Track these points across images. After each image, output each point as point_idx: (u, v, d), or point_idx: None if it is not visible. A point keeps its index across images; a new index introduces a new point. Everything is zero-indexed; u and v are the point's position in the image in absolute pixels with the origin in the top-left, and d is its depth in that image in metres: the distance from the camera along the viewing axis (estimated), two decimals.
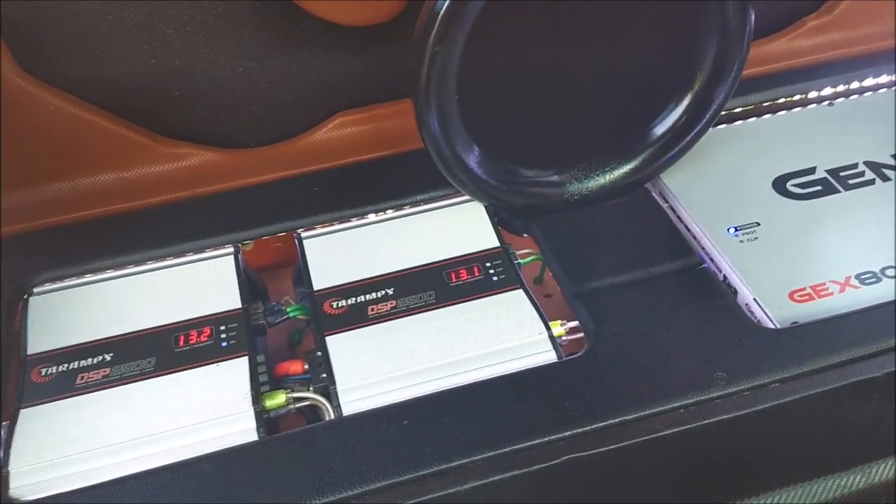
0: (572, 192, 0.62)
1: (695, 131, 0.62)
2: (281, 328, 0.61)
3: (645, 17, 0.58)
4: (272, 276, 0.67)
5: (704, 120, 0.61)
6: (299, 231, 0.63)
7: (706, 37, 0.58)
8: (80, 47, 0.63)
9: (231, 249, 0.62)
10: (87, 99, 0.66)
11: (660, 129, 0.62)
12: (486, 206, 0.63)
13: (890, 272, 0.55)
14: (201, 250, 0.62)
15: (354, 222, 0.63)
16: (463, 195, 0.64)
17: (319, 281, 0.58)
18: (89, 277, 0.61)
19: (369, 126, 0.71)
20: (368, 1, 0.64)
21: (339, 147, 0.71)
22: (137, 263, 0.61)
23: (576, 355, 0.51)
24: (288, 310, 0.58)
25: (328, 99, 0.72)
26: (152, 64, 0.65)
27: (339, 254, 0.60)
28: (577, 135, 0.62)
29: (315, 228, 0.63)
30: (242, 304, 0.57)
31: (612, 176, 0.63)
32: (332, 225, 0.63)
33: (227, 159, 0.70)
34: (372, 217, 0.64)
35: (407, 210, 0.64)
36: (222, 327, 0.56)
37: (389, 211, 0.64)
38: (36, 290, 0.59)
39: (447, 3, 0.50)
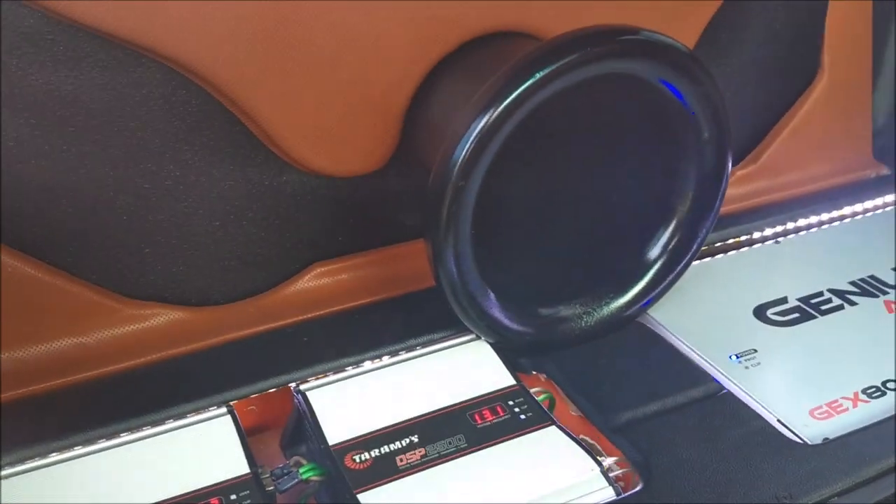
0: (574, 327, 0.62)
1: (683, 262, 0.64)
2: (285, 496, 0.54)
3: (633, 156, 0.62)
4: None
5: (691, 252, 0.64)
6: (297, 384, 0.58)
7: (687, 174, 0.62)
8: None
9: (224, 410, 0.56)
10: (41, 257, 0.60)
11: (651, 261, 0.64)
12: (492, 345, 0.61)
13: (891, 385, 0.58)
14: (183, 416, 0.56)
15: (353, 370, 0.60)
16: (463, 335, 0.62)
17: (334, 434, 0.53)
18: (54, 457, 0.52)
19: (348, 275, 0.69)
20: (358, 152, 0.64)
21: (317, 298, 0.68)
22: (110, 437, 0.54)
23: (635, 491, 0.49)
24: (301, 471, 0.52)
25: (304, 250, 0.69)
26: (123, 220, 0.61)
27: (349, 404, 0.56)
28: (574, 271, 0.63)
29: (313, 380, 0.59)
30: (250, 468, 0.51)
31: (609, 309, 0.63)
32: (329, 375, 0.59)
33: (198, 318, 0.65)
34: (368, 364, 0.60)
35: (407, 354, 0.61)
36: (232, 497, 0.49)
37: (385, 357, 0.61)
38: None
39: (471, 145, 0.51)
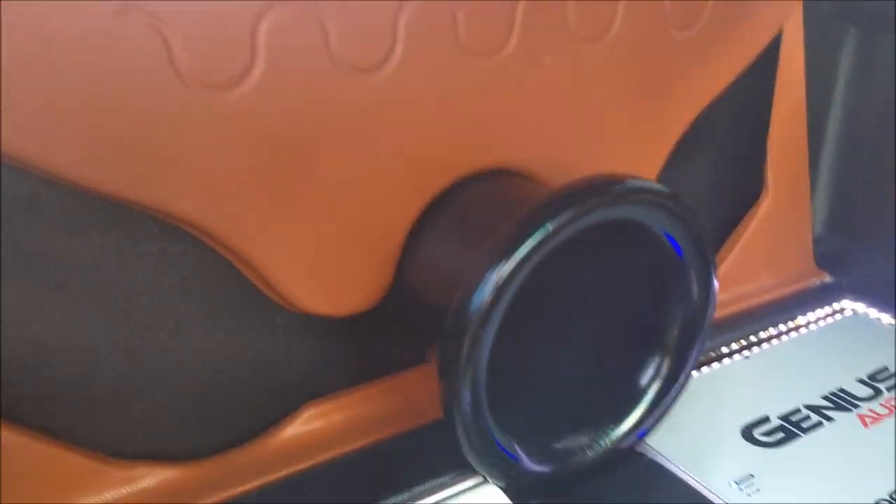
0: (582, 459, 0.63)
1: (675, 389, 0.66)
2: None
3: (625, 290, 0.64)
4: None
5: (681, 379, 0.66)
6: None
7: (675, 307, 0.64)
8: None
9: None
10: (25, 420, 0.56)
11: (644, 389, 0.65)
12: (502, 488, 0.61)
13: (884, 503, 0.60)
14: None
15: None
16: (469, 479, 0.61)
17: None
18: None
19: (342, 415, 0.68)
20: (353, 292, 0.64)
21: (312, 442, 0.66)
22: None
23: None
24: None
25: (294, 390, 0.67)
26: (113, 379, 0.59)
27: None
28: (576, 403, 0.64)
29: None
30: None
31: (611, 439, 0.64)
32: None
33: (190, 475, 0.62)
34: None
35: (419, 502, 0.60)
36: None
37: None
38: None
39: (491, 292, 0.52)
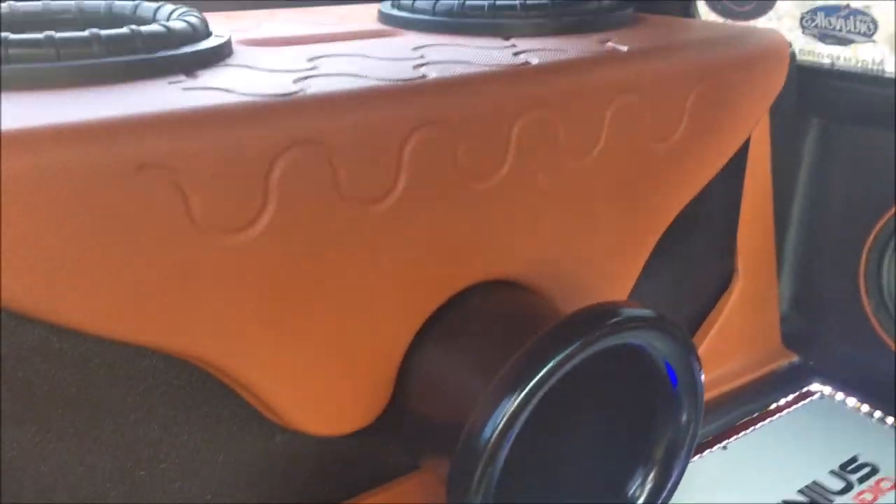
0: None
1: (662, 497, 0.69)
2: None
3: (618, 403, 0.67)
4: None
5: (668, 488, 0.69)
6: None
7: (664, 425, 0.67)
8: None
9: None
10: None
11: (635, 498, 0.68)
12: None
13: None
14: None
15: None
16: None
17: None
18: None
19: None
20: (351, 413, 0.65)
21: None
22: None
23: None
24: None
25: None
26: None
27: None
28: None
29: None
30: None
31: None
32: None
33: None
34: None
35: None
36: None
37: None
38: None
39: (502, 424, 0.54)
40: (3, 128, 0.45)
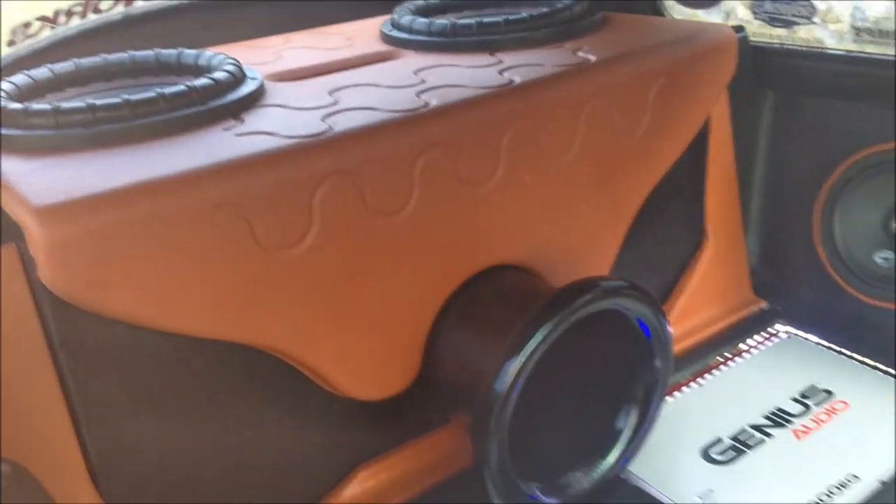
0: (580, 490, 0.80)
1: (644, 429, 0.84)
2: None
3: (606, 358, 0.82)
4: None
5: (648, 420, 0.84)
6: None
7: (643, 369, 0.82)
8: None
9: None
10: None
11: (622, 430, 0.83)
12: None
13: (835, 490, 0.79)
14: None
15: None
16: None
17: None
18: None
19: (391, 473, 0.84)
20: (389, 381, 0.80)
21: (367, 499, 0.83)
22: None
23: None
24: None
25: (345, 454, 0.84)
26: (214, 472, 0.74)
27: None
28: (571, 446, 0.81)
29: None
30: None
31: (600, 470, 0.82)
32: None
33: None
34: None
35: None
36: None
37: None
38: None
39: (512, 378, 0.69)
40: (114, 185, 0.60)
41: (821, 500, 0.80)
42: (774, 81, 1.11)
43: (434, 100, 0.77)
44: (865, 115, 1.01)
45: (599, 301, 0.73)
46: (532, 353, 0.70)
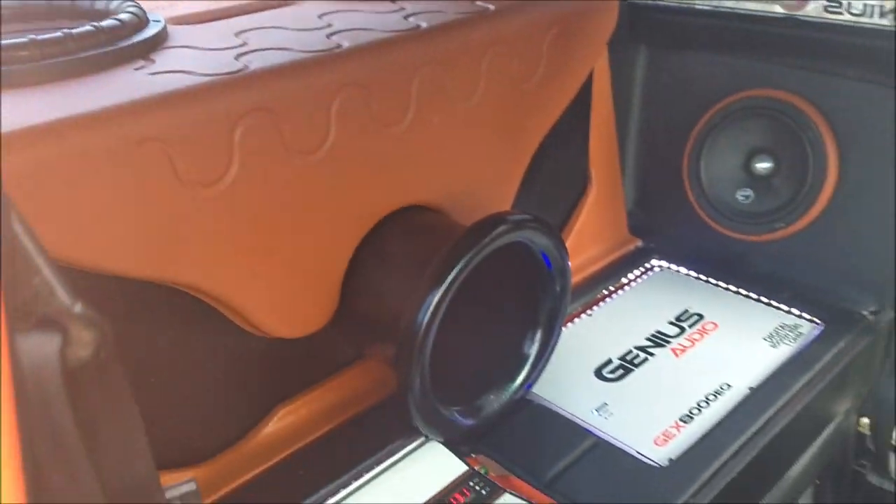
0: (492, 412, 0.86)
1: (548, 351, 0.91)
2: None
3: (512, 287, 0.88)
4: None
5: (551, 344, 0.91)
6: None
7: (545, 296, 0.89)
8: None
9: None
10: None
11: (528, 355, 0.90)
12: (441, 442, 0.83)
13: (694, 411, 0.89)
14: None
15: (345, 492, 0.78)
16: (416, 439, 0.83)
17: None
18: None
19: (310, 409, 0.87)
20: (306, 318, 0.83)
21: (287, 435, 0.85)
22: None
23: None
24: None
25: (264, 393, 0.86)
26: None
27: None
28: (482, 370, 0.87)
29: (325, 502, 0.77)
30: None
31: (509, 393, 0.88)
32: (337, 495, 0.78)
33: (199, 476, 0.79)
34: (354, 484, 0.79)
35: (379, 468, 0.81)
36: None
37: (365, 475, 0.80)
38: None
39: (432, 308, 0.73)
40: (36, 121, 0.58)
41: (700, 405, 0.90)
42: (647, 36, 1.20)
43: (346, 42, 0.79)
44: (728, 67, 1.12)
45: (511, 233, 0.79)
46: (451, 283, 0.74)
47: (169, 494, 0.38)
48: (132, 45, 0.74)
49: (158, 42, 0.77)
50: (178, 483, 0.39)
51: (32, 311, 0.29)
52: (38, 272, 0.30)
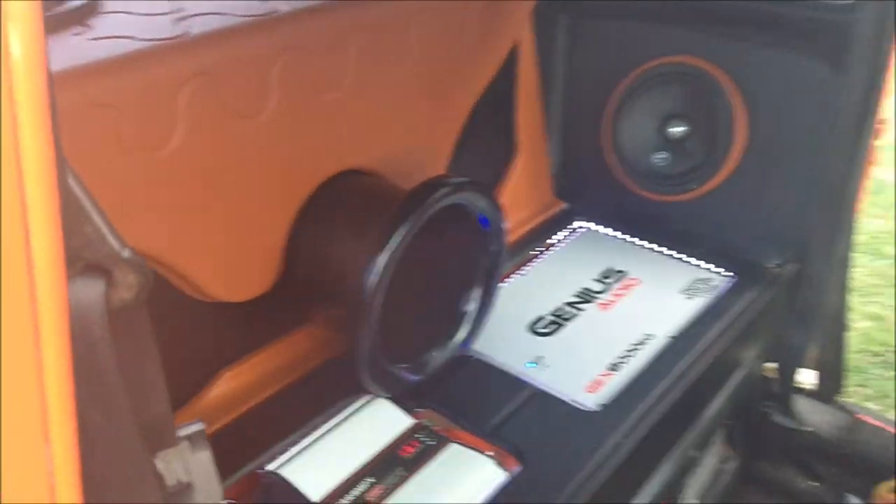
0: (436, 367, 0.90)
1: (487, 310, 0.95)
2: None
3: (453, 249, 0.91)
4: None
5: (490, 302, 0.95)
6: (264, 468, 0.78)
7: (483, 257, 0.93)
8: None
9: None
10: None
11: (466, 313, 0.94)
12: (388, 398, 0.87)
13: (619, 362, 0.95)
14: None
15: (300, 446, 0.81)
16: (364, 397, 0.86)
17: (314, 493, 0.75)
18: None
19: (254, 373, 0.89)
20: (250, 282, 0.84)
21: (232, 402, 0.87)
22: None
23: (517, 470, 0.79)
24: None
25: (210, 358, 0.87)
26: None
27: (311, 472, 0.78)
28: (426, 329, 0.91)
29: (276, 461, 0.79)
30: None
31: (449, 349, 0.92)
32: (285, 453, 0.80)
33: None
34: (308, 439, 0.82)
35: (334, 421, 0.84)
36: None
37: (318, 430, 0.83)
38: None
39: (382, 270, 0.76)
40: None
41: (626, 354, 0.96)
42: (569, 6, 1.24)
43: (284, 6, 0.80)
44: (644, 35, 1.17)
45: (452, 195, 0.82)
46: (397, 246, 0.77)
47: (181, 433, 0.40)
48: (68, 10, 0.73)
49: (93, 7, 0.76)
50: (188, 423, 0.41)
51: (80, 258, 0.31)
52: (89, 220, 0.31)
